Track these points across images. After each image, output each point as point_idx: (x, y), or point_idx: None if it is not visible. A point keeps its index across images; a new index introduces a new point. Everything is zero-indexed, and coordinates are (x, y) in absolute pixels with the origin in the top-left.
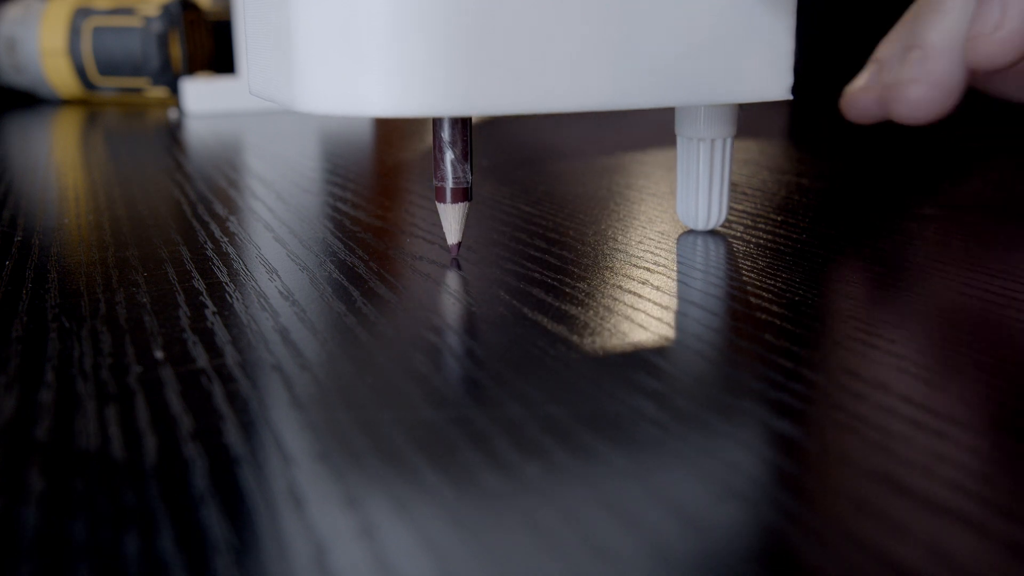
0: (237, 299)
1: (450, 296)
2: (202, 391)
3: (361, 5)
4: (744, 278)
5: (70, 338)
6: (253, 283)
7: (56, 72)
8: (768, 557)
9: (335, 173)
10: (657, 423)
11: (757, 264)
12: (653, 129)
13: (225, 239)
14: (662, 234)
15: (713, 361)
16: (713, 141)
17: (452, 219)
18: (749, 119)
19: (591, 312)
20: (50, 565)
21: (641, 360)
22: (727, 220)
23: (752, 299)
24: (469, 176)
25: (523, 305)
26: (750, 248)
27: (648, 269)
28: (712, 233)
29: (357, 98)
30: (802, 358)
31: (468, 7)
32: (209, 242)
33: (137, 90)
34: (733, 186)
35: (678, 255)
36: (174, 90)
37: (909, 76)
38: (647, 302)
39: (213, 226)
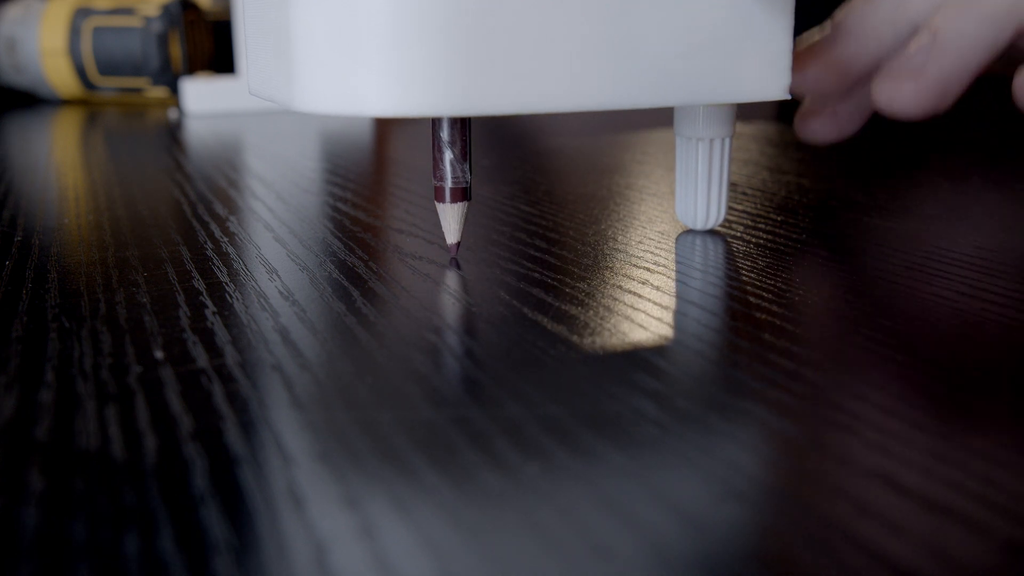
0: (237, 299)
1: (450, 296)
2: (202, 391)
3: (360, 5)
4: (744, 278)
5: (70, 338)
6: (253, 283)
7: (56, 72)
8: (768, 557)
9: (335, 173)
10: (657, 423)
11: (757, 264)
12: (653, 128)
13: (225, 239)
14: (662, 234)
15: (713, 361)
16: (712, 141)
17: (451, 219)
18: (743, 106)
19: (591, 312)
20: (50, 565)
21: (641, 360)
22: (727, 220)
23: (752, 299)
24: (468, 176)
25: (523, 305)
26: (750, 248)
27: (648, 269)
28: (712, 233)
29: (356, 98)
30: (802, 358)
31: (467, 7)
32: (209, 242)
33: (137, 90)
34: (733, 186)
35: (678, 255)
36: (174, 90)
37: (812, 51)
38: (647, 302)
39: (213, 226)
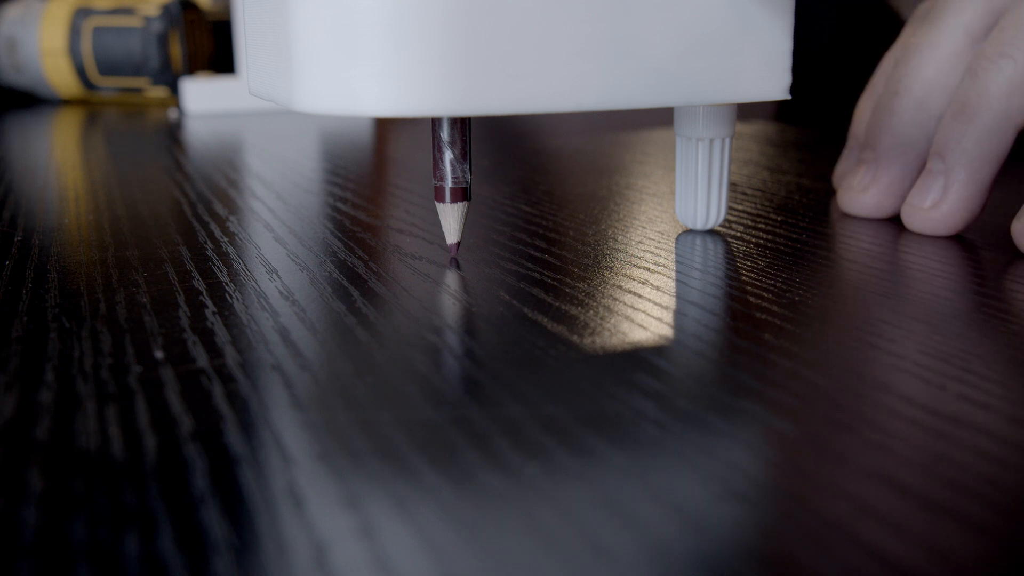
0: (237, 299)
1: (450, 296)
2: (202, 391)
3: (360, 5)
4: (744, 278)
5: (70, 338)
6: (253, 283)
7: (56, 72)
8: (768, 557)
9: (335, 173)
10: (657, 423)
11: (757, 264)
12: (653, 128)
13: (225, 239)
14: (662, 234)
15: (713, 361)
16: (712, 141)
17: (451, 219)
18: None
19: (591, 312)
20: (50, 565)
21: (641, 360)
22: (727, 220)
23: (752, 299)
24: (468, 176)
25: (523, 305)
26: (750, 248)
27: (648, 269)
28: (712, 233)
29: (355, 98)
30: (802, 358)
31: (467, 7)
32: (209, 242)
33: (137, 90)
34: (733, 186)
35: (678, 255)
36: (174, 90)
37: (861, 184)
38: (647, 302)
39: (213, 226)
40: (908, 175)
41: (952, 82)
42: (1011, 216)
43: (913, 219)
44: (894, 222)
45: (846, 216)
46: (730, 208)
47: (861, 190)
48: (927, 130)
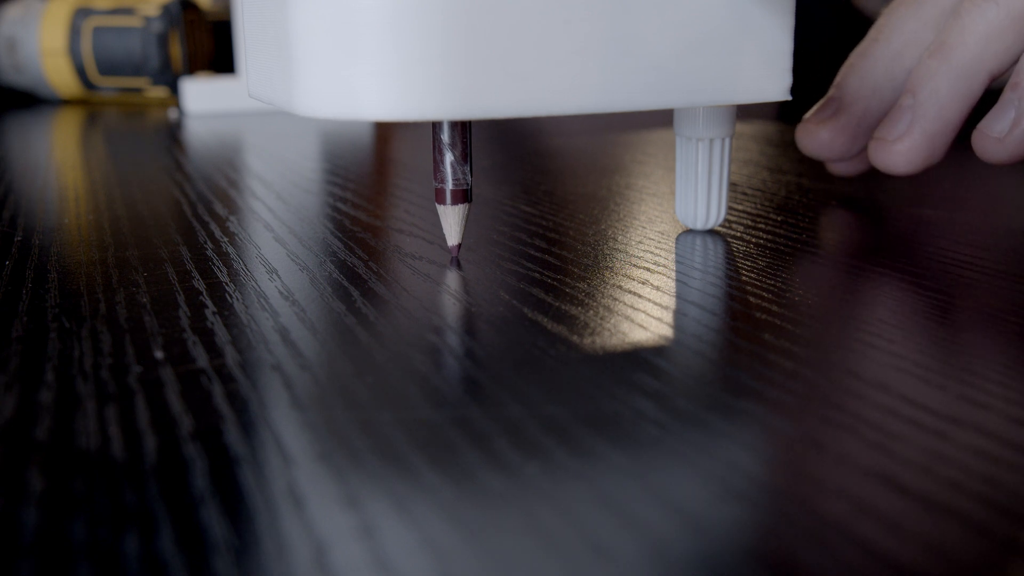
0: (237, 299)
1: (450, 296)
2: (202, 391)
3: (359, 8)
4: (744, 278)
5: (70, 338)
6: (253, 283)
7: (56, 72)
8: (768, 557)
9: (335, 173)
10: (657, 423)
11: (757, 264)
12: (653, 128)
13: (225, 239)
14: (662, 234)
15: (713, 361)
16: (712, 141)
17: (452, 221)
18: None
19: (591, 312)
20: (50, 565)
21: (641, 360)
22: (727, 220)
23: (751, 299)
24: (469, 177)
25: (523, 305)
26: (750, 248)
27: (648, 269)
28: (712, 233)
29: (355, 102)
30: (802, 358)
31: (466, 10)
32: (209, 242)
33: (137, 90)
34: (733, 186)
35: (678, 255)
36: (174, 90)
37: (819, 118)
38: (647, 302)
39: (213, 226)
40: (867, 121)
41: (932, 39)
42: (1012, 217)
43: (877, 152)
44: (891, 215)
45: (841, 211)
46: (730, 208)
47: (817, 123)
48: (896, 81)
